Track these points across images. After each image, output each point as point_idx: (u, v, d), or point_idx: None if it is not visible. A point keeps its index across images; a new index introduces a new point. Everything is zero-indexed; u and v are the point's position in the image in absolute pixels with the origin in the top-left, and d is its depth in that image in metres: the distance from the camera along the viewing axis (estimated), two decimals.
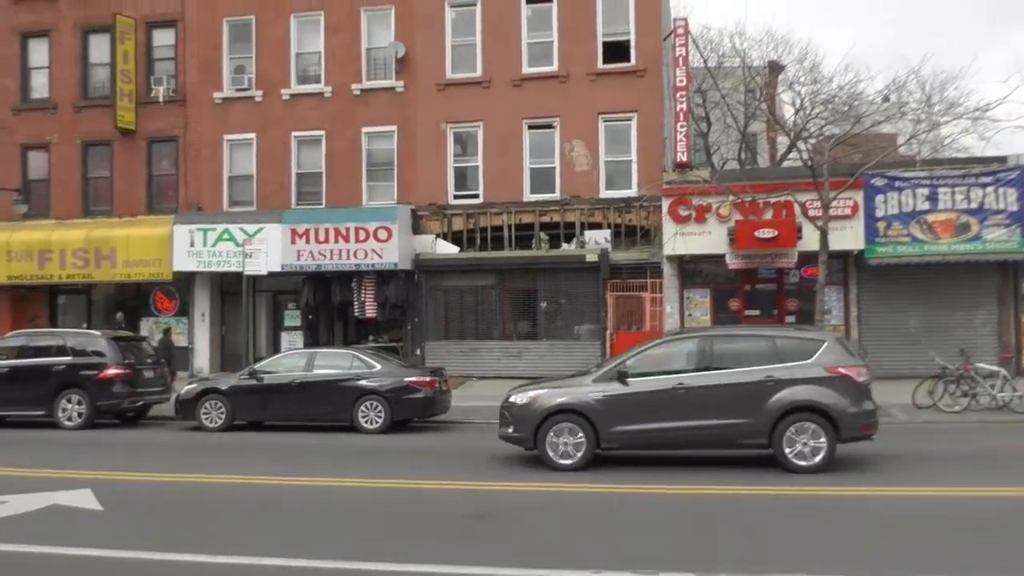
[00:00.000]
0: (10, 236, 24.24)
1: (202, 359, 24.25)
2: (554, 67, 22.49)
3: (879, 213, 19.68)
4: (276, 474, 10.69)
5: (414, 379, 14.96)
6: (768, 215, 19.92)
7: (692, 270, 21.67)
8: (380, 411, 14.71)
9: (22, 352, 16.64)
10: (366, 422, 14.72)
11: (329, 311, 23.77)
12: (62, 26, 25.35)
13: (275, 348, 23.67)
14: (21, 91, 25.69)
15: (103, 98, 24.80)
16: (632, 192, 21.90)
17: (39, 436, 14.91)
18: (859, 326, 20.66)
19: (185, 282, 24.05)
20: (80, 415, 15.74)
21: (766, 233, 19.50)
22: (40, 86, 25.80)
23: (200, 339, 24.31)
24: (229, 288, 24.33)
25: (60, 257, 23.95)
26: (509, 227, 22.38)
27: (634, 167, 22.01)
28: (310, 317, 23.74)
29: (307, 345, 22.59)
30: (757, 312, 21.33)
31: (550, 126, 22.52)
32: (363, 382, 14.92)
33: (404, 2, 23.20)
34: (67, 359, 16.11)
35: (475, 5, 22.90)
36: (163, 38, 24.89)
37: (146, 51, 24.76)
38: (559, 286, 22.22)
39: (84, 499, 9.20)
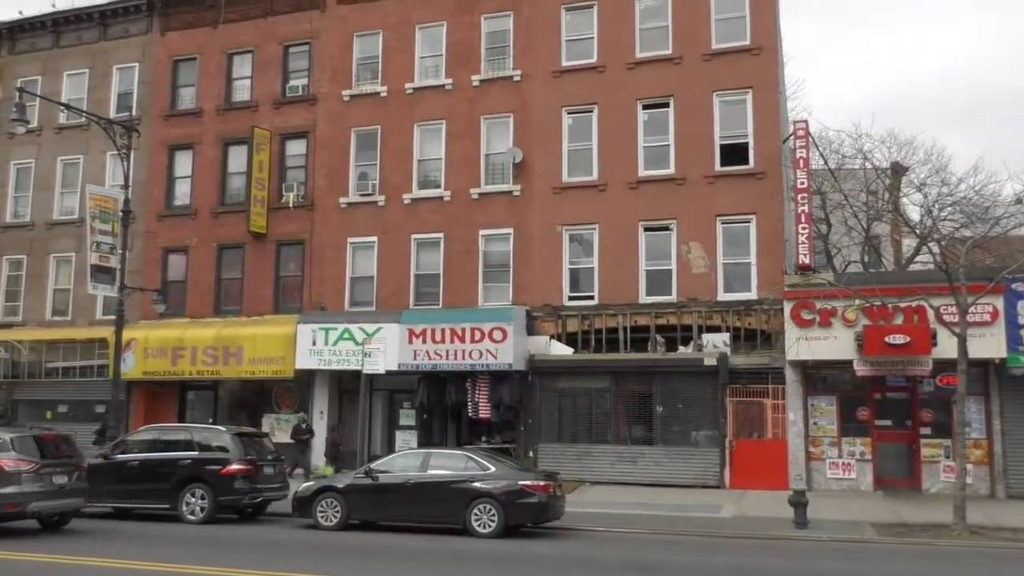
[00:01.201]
0: (148, 334, 25.58)
1: (319, 456, 24.59)
2: (671, 170, 22.57)
3: (1022, 320, 18.54)
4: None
5: (528, 483, 14.66)
6: (898, 320, 19.03)
7: (817, 376, 20.81)
8: (493, 515, 14.43)
9: (152, 446, 17.26)
10: (479, 525, 14.45)
11: (443, 411, 23.84)
12: (205, 139, 27.25)
13: (390, 446, 23.84)
14: (166, 198, 27.55)
15: (238, 204, 26.30)
16: (752, 295, 21.41)
17: (162, 530, 15.23)
18: (1003, 440, 19.24)
19: (306, 380, 24.68)
20: (202, 509, 16.05)
21: (898, 339, 18.59)
22: (183, 194, 27.63)
23: (318, 436, 24.72)
24: (347, 386, 24.83)
25: (192, 354, 25.05)
26: (624, 329, 22.14)
27: (753, 270, 21.58)
28: (425, 416, 23.85)
29: (421, 445, 22.64)
30: (889, 422, 20.22)
31: (666, 228, 22.44)
32: (477, 484, 14.71)
33: (522, 110, 23.93)
34: (193, 453, 16.58)
35: (592, 112, 23.39)
36: (295, 148, 26.38)
37: (279, 160, 26.26)
38: (676, 390, 21.68)
39: None
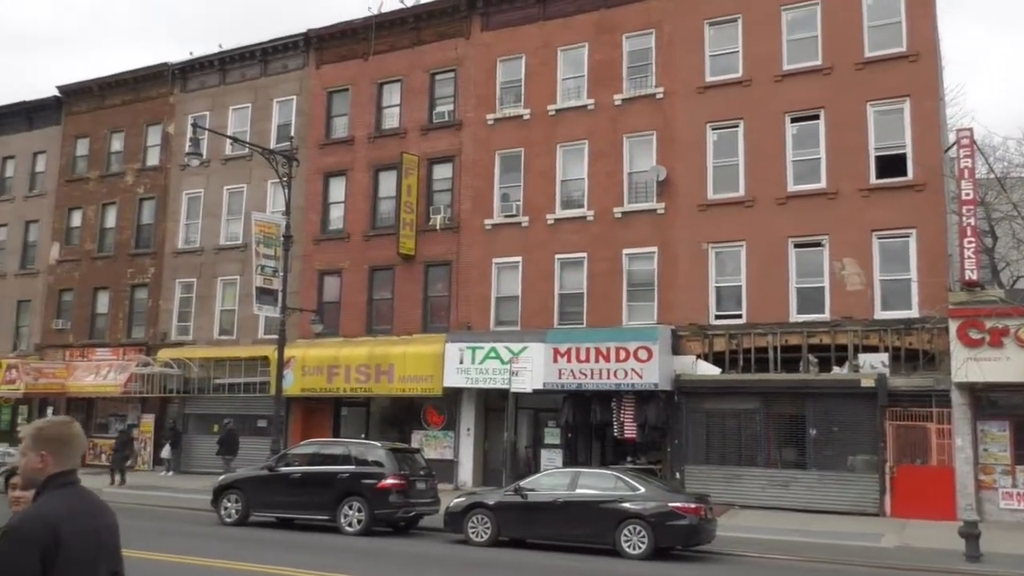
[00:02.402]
0: (305, 352, 26.87)
1: (466, 472, 25.10)
2: (822, 184, 21.84)
3: None
4: None
5: (679, 505, 14.46)
6: None
7: (986, 399, 19.55)
8: (643, 536, 14.31)
9: (312, 459, 18.11)
10: (628, 547, 14.35)
11: (588, 430, 23.83)
12: (357, 166, 28.49)
13: (534, 464, 24.02)
14: (321, 223, 28.94)
15: (388, 227, 27.30)
16: (912, 313, 20.37)
17: (321, 540, 15.91)
18: None
19: (453, 397, 25.25)
20: (359, 522, 16.67)
21: None
22: (336, 218, 28.95)
23: (464, 453, 25.24)
24: (492, 404, 25.25)
25: (345, 372, 26.13)
26: (774, 348, 21.51)
27: (914, 286, 20.53)
28: (569, 435, 23.91)
29: (566, 464, 22.69)
30: None
31: (818, 244, 21.70)
32: (626, 505, 14.63)
33: (666, 127, 23.77)
34: (350, 468, 17.26)
35: (737, 127, 22.97)
36: (442, 172, 27.17)
37: (427, 184, 27.11)
38: (830, 412, 20.85)
39: None
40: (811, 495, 20.57)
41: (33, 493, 3.82)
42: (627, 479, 15.26)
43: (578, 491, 15.25)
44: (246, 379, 28.58)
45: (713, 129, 23.30)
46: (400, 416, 27.02)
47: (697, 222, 23.03)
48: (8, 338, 35.48)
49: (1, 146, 37.44)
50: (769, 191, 22.29)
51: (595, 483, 15.38)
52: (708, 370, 22.07)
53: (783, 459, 21.51)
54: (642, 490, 14.87)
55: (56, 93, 35.79)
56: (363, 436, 25.58)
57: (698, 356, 22.34)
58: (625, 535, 14.42)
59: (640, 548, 14.27)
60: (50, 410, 33.25)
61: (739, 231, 22.51)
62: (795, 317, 21.59)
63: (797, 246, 21.94)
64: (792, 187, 22.17)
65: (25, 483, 3.40)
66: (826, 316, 21.27)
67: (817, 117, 22.15)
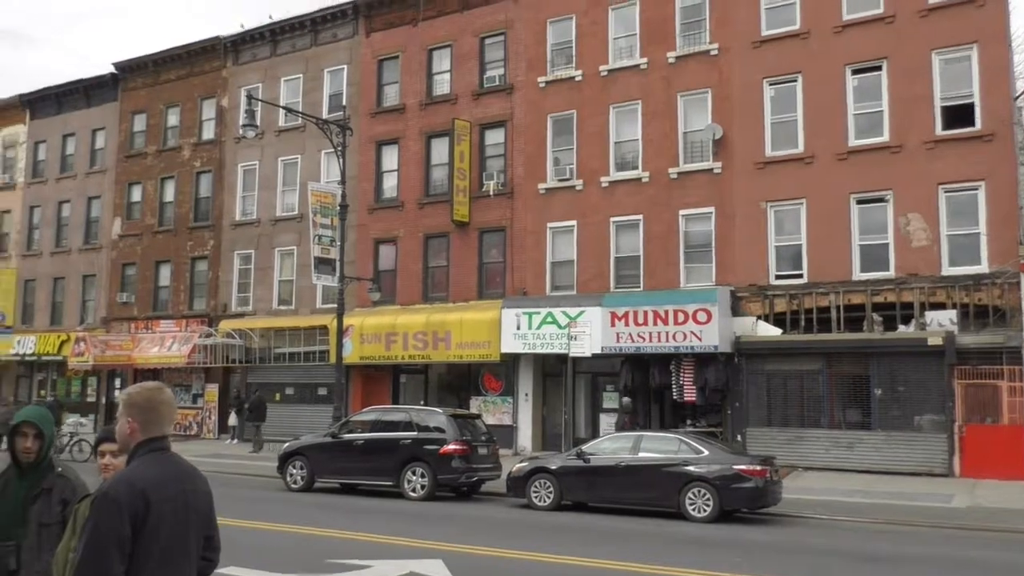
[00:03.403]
0: (363, 321, 27.14)
1: (525, 437, 25.24)
2: (885, 137, 21.20)
3: None
4: (613, 558, 10.63)
5: (744, 467, 14.33)
6: None
7: None
8: (708, 499, 14.24)
9: (374, 426, 18.33)
10: (693, 510, 14.30)
11: (647, 393, 23.73)
12: (409, 133, 28.47)
13: (594, 429, 24.07)
14: (375, 192, 29.06)
15: (442, 195, 27.30)
16: (982, 268, 19.78)
17: (386, 505, 16.15)
18: None
19: (511, 363, 25.32)
20: (423, 487, 16.87)
21: None
22: (390, 187, 29.04)
23: (523, 418, 25.36)
24: (550, 369, 25.28)
25: (403, 339, 26.36)
26: (837, 308, 21.10)
27: (983, 241, 19.91)
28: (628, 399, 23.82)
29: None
30: None
31: (881, 200, 21.13)
32: (690, 468, 14.56)
33: (721, 84, 23.26)
34: (412, 434, 17.44)
35: (795, 81, 22.36)
36: (494, 137, 27.02)
37: (479, 150, 26.98)
38: (895, 372, 20.44)
39: (438, 570, 9.74)
40: (877, 456, 20.26)
41: (124, 459, 3.89)
42: (690, 442, 15.16)
43: (641, 455, 15.20)
44: (305, 348, 29.01)
45: (770, 84, 22.71)
46: (458, 382, 27.22)
47: (755, 181, 22.57)
48: (75, 312, 36.51)
49: (61, 124, 38.24)
50: (829, 146, 21.72)
51: (658, 446, 15.31)
52: (769, 331, 21.76)
53: (847, 420, 21.18)
54: (706, 453, 14.77)
55: (112, 70, 36.33)
56: (421, 402, 25.85)
57: (758, 317, 22.03)
58: (690, 498, 14.37)
59: (705, 511, 14.21)
60: (118, 380, 34.23)
61: (798, 189, 22.02)
62: (858, 275, 21.11)
63: (859, 202, 21.39)
64: (853, 142, 21.56)
65: (120, 448, 3.45)
66: (891, 274, 20.76)
67: (879, 68, 21.44)
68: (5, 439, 19.70)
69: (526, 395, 25.39)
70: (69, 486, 4.32)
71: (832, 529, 14.06)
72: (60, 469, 4.38)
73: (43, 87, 38.55)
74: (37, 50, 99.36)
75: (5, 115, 40.21)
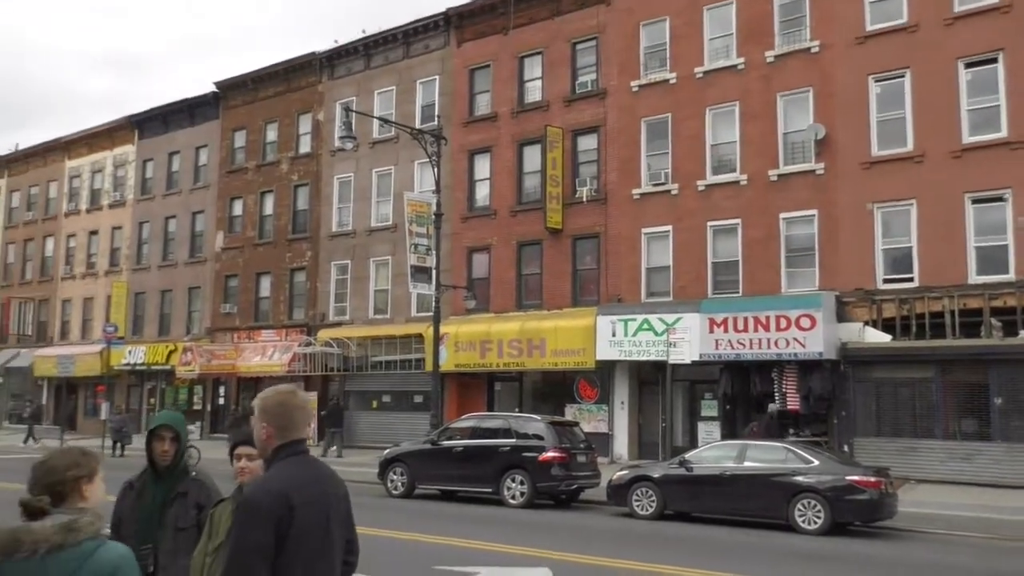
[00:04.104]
0: (458, 329, 27.26)
1: (621, 445, 24.89)
2: (1002, 133, 20.12)
3: None
4: (725, 570, 10.30)
5: (858, 478, 13.74)
6: None
7: None
8: (819, 511, 13.69)
9: (473, 433, 18.33)
10: (803, 522, 13.77)
11: (746, 402, 23.10)
12: (501, 141, 28.54)
13: (691, 437, 23.57)
14: (468, 201, 29.22)
15: (534, 202, 27.24)
16: None
17: (486, 512, 16.09)
18: None
19: (606, 371, 25.02)
20: (522, 495, 16.77)
21: None
22: (483, 196, 29.15)
23: (619, 426, 25.02)
24: (646, 377, 24.89)
25: (498, 347, 26.35)
26: (951, 313, 20.10)
27: None
28: (727, 407, 23.27)
29: (724, 436, 22.07)
30: None
31: (999, 199, 20.05)
32: (799, 478, 14.04)
33: (823, 83, 22.53)
34: (511, 441, 17.36)
35: (903, 77, 21.47)
36: (586, 143, 26.82)
37: (572, 156, 26.82)
38: (1017, 380, 19.32)
39: None
40: (998, 468, 19.19)
41: (260, 463, 3.86)
42: (799, 451, 14.64)
43: (746, 464, 14.76)
44: (401, 356, 29.33)
45: (876, 81, 21.86)
46: (552, 390, 27.05)
47: (860, 181, 21.74)
48: (181, 323, 37.85)
49: (167, 142, 39.80)
50: (941, 144, 20.75)
51: (764, 456, 14.84)
52: (877, 337, 20.89)
53: (963, 431, 20.15)
54: (816, 463, 14.23)
55: (214, 89, 37.63)
56: (516, 410, 25.75)
57: (865, 323, 21.18)
58: (799, 509, 13.85)
59: (816, 523, 13.67)
60: (220, 385, 35.27)
61: (908, 189, 21.10)
62: (974, 279, 20.07)
63: (975, 202, 20.35)
64: (968, 139, 20.54)
65: (259, 453, 3.41)
66: (1011, 276, 19.66)
67: (995, 60, 20.38)
68: (119, 445, 20.50)
69: (622, 403, 25.04)
70: (204, 490, 4.35)
71: (954, 545, 13.34)
72: (195, 473, 4.42)
73: (150, 108, 40.21)
74: (143, 77, 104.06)
75: (116, 136, 42.11)
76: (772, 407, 20.69)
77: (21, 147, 47.62)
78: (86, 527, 2.70)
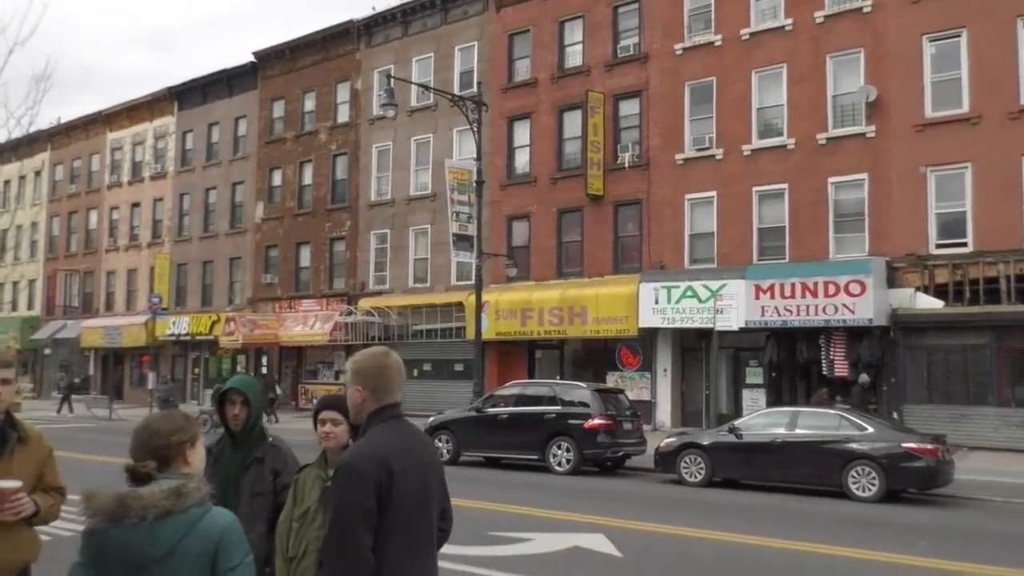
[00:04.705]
0: (498, 297, 27.18)
1: (663, 413, 24.76)
2: None
3: None
4: (781, 537, 10.16)
5: (913, 445, 13.47)
6: None
7: None
8: (873, 478, 13.46)
9: (518, 400, 18.28)
10: (857, 489, 13.55)
11: (792, 369, 22.81)
12: (541, 108, 28.21)
13: (735, 405, 23.34)
14: (507, 169, 28.99)
15: (575, 169, 26.95)
16: None
17: (533, 479, 16.06)
18: None
19: (648, 338, 24.83)
20: (568, 462, 16.70)
21: None
22: (522, 163, 28.91)
23: (662, 394, 24.87)
24: (689, 344, 24.68)
25: (539, 315, 26.25)
26: (1007, 278, 19.59)
27: None
28: (773, 375, 22.99)
29: (770, 404, 21.82)
30: None
31: None
32: (853, 445, 13.81)
33: (875, 43, 21.90)
34: (557, 408, 17.28)
35: (959, 36, 20.77)
36: (628, 108, 26.42)
37: (613, 122, 26.44)
38: None
39: (601, 544, 9.52)
40: None
41: (345, 429, 3.79)
42: (853, 418, 14.39)
43: (798, 431, 14.53)
44: (442, 325, 29.35)
45: (930, 41, 21.19)
46: (593, 358, 26.93)
47: (913, 144, 21.17)
48: (223, 293, 38.23)
49: (206, 114, 39.97)
50: (998, 105, 20.09)
51: (817, 422, 14.60)
52: (929, 303, 20.45)
53: (1017, 398, 19.71)
54: (870, 430, 13.98)
55: (251, 59, 37.62)
56: (557, 377, 25.67)
57: (917, 288, 20.73)
58: (853, 476, 13.63)
59: (870, 490, 13.44)
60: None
61: (963, 151, 20.50)
62: None
63: None
64: None
65: (353, 418, 3.31)
66: None
67: None
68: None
69: (664, 370, 24.86)
70: (280, 455, 4.30)
71: (1012, 513, 13.09)
72: (272, 439, 4.36)
73: (189, 79, 40.37)
74: (181, 51, 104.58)
75: (156, 108, 42.37)
76: (863, 378, 20.06)
77: (63, 120, 48.10)
78: (193, 492, 2.62)
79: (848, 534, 10.63)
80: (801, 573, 8.60)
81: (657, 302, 23.78)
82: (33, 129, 16.79)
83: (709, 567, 8.84)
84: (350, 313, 31.58)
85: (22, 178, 49.45)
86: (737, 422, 15.73)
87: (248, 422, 4.36)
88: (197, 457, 2.82)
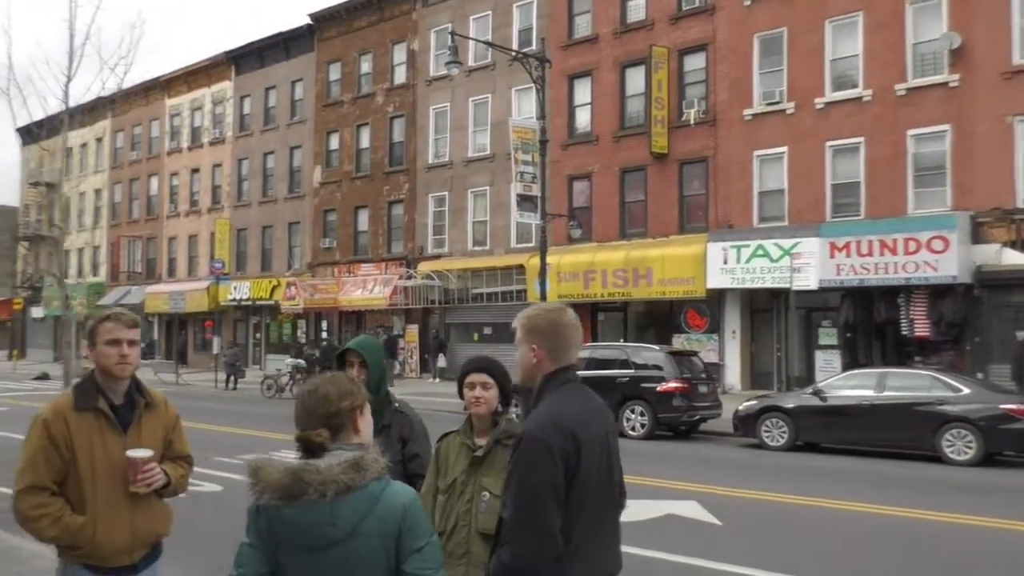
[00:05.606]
0: (560, 259, 26.75)
1: (732, 376, 24.27)
2: None
3: None
4: (874, 502, 9.75)
5: (1013, 407, 12.89)
6: None
7: None
8: (970, 441, 12.93)
9: (588, 364, 17.91)
10: (952, 452, 13.04)
11: (868, 329, 22.08)
12: (602, 65, 27.51)
13: (807, 366, 22.73)
14: (568, 128, 28.42)
15: (638, 127, 26.28)
16: None
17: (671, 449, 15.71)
18: None
19: (715, 299, 24.27)
20: (642, 426, 16.41)
21: None
22: (583, 122, 28.30)
23: (731, 356, 24.37)
24: (758, 305, 24.08)
25: (602, 277, 25.82)
26: None
27: None
28: (848, 335, 22.29)
29: (845, 366, 21.19)
30: None
31: None
32: (947, 407, 13.26)
33: None
34: (630, 372, 16.94)
35: None
36: (693, 63, 25.61)
37: (678, 77, 25.67)
38: None
39: (696, 511, 9.22)
40: None
41: (495, 393, 3.49)
42: (947, 379, 13.82)
43: (887, 393, 14.00)
44: (502, 288, 29.08)
45: None
46: (658, 320, 26.46)
47: (1000, 93, 20.12)
48: (283, 258, 38.44)
49: (263, 77, 39.93)
50: None
51: (907, 384, 14.06)
52: (1017, 259, 19.56)
53: None
54: (966, 391, 13.41)
55: (308, 21, 37.38)
56: (622, 340, 25.27)
57: (1004, 244, 19.85)
58: (948, 439, 13.10)
59: (966, 453, 12.93)
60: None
61: None
62: None
63: None
64: None
65: (524, 379, 2.97)
66: None
67: None
68: (232, 379, 21.21)
69: (733, 332, 24.32)
70: (407, 423, 4.02)
71: None
72: (398, 405, 4.08)
73: (246, 43, 40.30)
74: (237, 16, 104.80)
75: (213, 73, 42.47)
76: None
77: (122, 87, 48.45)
78: (372, 465, 2.31)
79: (947, 499, 10.19)
80: (940, 544, 8.16)
81: (726, 262, 23.19)
82: (127, 84, 16.68)
83: (824, 535, 8.46)
84: (409, 277, 31.48)
85: (83, 146, 50.18)
86: (820, 384, 15.28)
87: (369, 385, 4.08)
88: (367, 425, 2.52)
